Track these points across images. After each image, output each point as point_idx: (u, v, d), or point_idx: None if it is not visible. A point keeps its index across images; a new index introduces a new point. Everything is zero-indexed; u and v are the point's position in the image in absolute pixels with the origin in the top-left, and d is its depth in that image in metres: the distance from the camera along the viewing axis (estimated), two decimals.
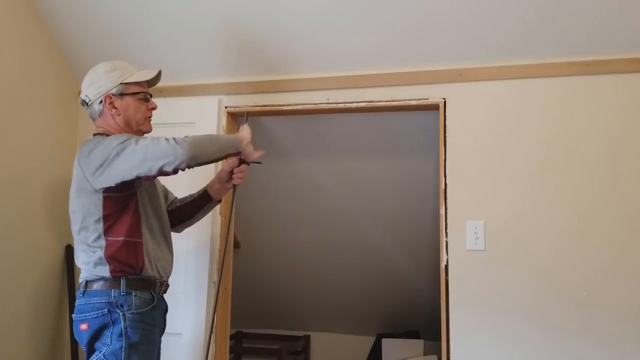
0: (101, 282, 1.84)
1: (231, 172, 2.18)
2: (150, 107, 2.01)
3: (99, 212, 1.84)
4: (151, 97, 2.03)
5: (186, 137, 1.83)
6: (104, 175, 1.80)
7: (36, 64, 2.59)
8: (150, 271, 1.89)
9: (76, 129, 2.85)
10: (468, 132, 2.35)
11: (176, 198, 2.25)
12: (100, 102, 1.93)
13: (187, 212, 2.21)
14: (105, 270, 1.84)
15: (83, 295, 1.86)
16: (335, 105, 2.50)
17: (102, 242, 1.84)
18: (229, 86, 2.62)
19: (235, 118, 2.71)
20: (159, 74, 2.04)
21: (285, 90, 2.54)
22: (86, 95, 1.95)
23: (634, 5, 2.08)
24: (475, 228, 2.30)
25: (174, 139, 1.80)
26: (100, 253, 1.84)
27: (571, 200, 2.23)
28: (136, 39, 2.59)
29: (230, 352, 3.38)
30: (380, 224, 3.52)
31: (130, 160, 1.77)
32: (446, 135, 2.37)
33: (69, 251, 2.74)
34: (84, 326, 1.84)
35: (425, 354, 3.76)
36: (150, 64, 2.64)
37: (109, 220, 1.84)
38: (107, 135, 1.91)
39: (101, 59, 2.67)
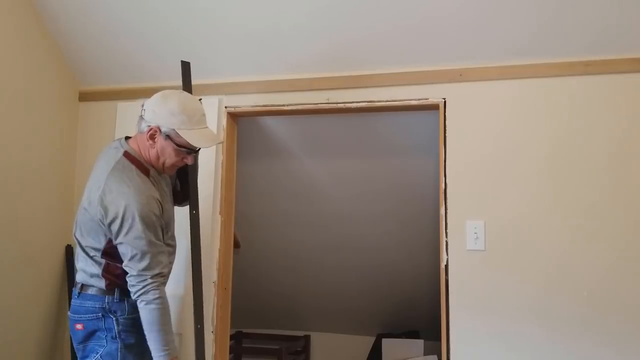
0: (96, 289, 1.90)
1: None
2: (186, 160, 1.98)
3: (100, 245, 1.89)
4: (198, 152, 2.03)
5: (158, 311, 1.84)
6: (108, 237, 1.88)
7: (36, 64, 2.59)
8: None
9: (76, 129, 2.85)
10: (468, 132, 2.35)
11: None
12: (148, 126, 1.91)
13: (185, 187, 2.24)
14: (100, 283, 1.90)
15: (78, 296, 1.92)
16: (335, 105, 2.50)
17: (102, 261, 1.89)
18: (229, 86, 2.62)
19: (236, 118, 2.71)
20: (220, 143, 2.08)
21: (286, 90, 2.54)
22: (144, 110, 1.93)
23: (634, 5, 2.08)
24: (475, 228, 2.30)
25: (158, 302, 1.83)
26: (98, 269, 1.89)
27: (571, 200, 2.23)
28: (136, 39, 2.59)
29: (230, 352, 3.38)
30: (380, 223, 3.52)
31: (129, 252, 1.83)
32: (446, 135, 2.37)
33: (69, 251, 2.74)
34: (79, 326, 1.90)
35: (425, 354, 3.76)
36: (150, 63, 2.66)
37: (110, 250, 1.89)
38: (138, 164, 1.91)
39: (101, 59, 2.70)
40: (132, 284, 1.84)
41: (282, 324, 4.43)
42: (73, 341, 1.95)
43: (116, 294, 1.89)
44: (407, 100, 2.42)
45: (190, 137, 1.91)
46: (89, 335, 1.89)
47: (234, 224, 2.74)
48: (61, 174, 2.74)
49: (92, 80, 2.82)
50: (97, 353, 1.87)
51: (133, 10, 2.48)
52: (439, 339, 2.36)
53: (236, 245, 3.70)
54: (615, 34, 2.17)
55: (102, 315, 1.88)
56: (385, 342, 3.89)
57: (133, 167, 1.91)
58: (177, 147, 1.92)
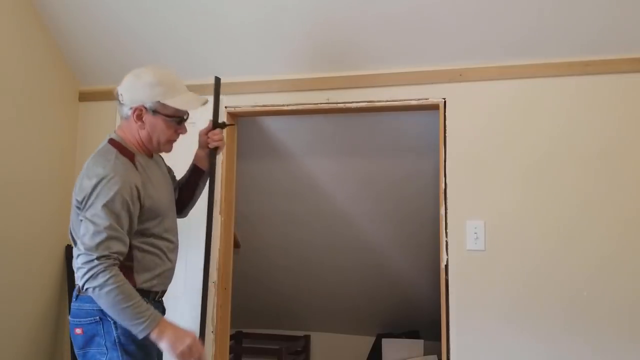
0: None
1: (206, 134, 2.12)
2: (179, 131, 1.92)
3: None
4: (187, 118, 1.93)
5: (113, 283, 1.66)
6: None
7: (36, 64, 2.59)
8: (144, 285, 1.82)
9: (76, 128, 2.85)
10: (468, 132, 2.35)
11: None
12: (131, 108, 1.84)
13: (186, 196, 2.14)
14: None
15: (77, 299, 1.82)
16: (335, 105, 2.50)
17: None
18: (229, 86, 2.61)
19: (236, 118, 2.71)
20: (205, 103, 1.95)
21: (285, 90, 2.54)
22: (121, 95, 1.85)
23: (633, 5, 2.08)
24: (475, 228, 2.30)
25: (108, 274, 1.65)
26: None
27: (571, 200, 2.23)
28: (135, 39, 2.59)
29: (230, 352, 3.38)
30: (380, 223, 3.52)
31: (83, 229, 1.70)
32: (446, 135, 2.37)
33: (69, 251, 2.74)
34: (78, 331, 1.80)
35: (425, 354, 3.76)
36: (150, 63, 2.65)
37: None
38: (120, 148, 1.82)
39: (101, 59, 2.70)
40: (78, 266, 1.68)
41: (282, 324, 4.43)
42: (74, 346, 1.86)
43: None
44: (407, 100, 2.42)
45: (177, 103, 1.85)
46: (89, 340, 1.79)
47: (234, 224, 2.74)
48: (61, 174, 2.74)
49: (92, 80, 2.82)
50: None
51: (133, 11, 2.48)
52: (439, 339, 2.36)
53: (236, 245, 3.70)
54: (615, 34, 2.17)
55: (100, 319, 1.76)
56: (385, 342, 3.89)
57: (115, 150, 1.82)
58: (167, 119, 1.86)
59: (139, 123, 1.84)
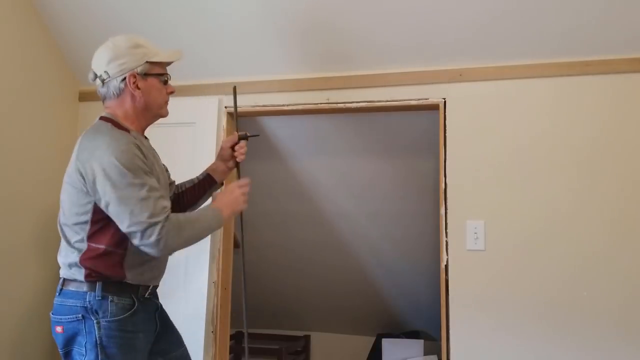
0: (78, 283, 1.70)
1: (232, 149, 2.09)
2: (169, 90, 1.86)
3: (87, 215, 1.68)
4: (170, 78, 1.88)
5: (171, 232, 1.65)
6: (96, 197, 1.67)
7: (36, 64, 2.59)
8: (132, 279, 1.73)
9: (76, 128, 2.85)
10: (468, 132, 2.35)
11: (174, 182, 2.08)
12: (123, 79, 1.74)
13: (188, 199, 2.08)
14: (79, 274, 1.69)
15: (60, 293, 1.73)
16: (335, 105, 2.50)
17: (83, 246, 1.69)
18: (229, 86, 2.61)
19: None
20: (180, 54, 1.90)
21: (285, 90, 2.54)
22: (105, 72, 1.74)
23: (633, 5, 2.08)
24: (475, 228, 2.30)
25: (158, 235, 1.61)
26: (77, 256, 1.69)
27: (570, 199, 2.23)
28: None
29: (230, 352, 3.38)
30: (380, 223, 3.52)
31: (127, 208, 1.61)
32: (446, 135, 2.37)
33: None
34: (59, 329, 1.71)
35: (425, 354, 3.75)
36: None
37: (96, 225, 1.68)
38: (114, 123, 1.74)
39: None
40: (146, 243, 1.61)
41: (282, 324, 4.43)
42: (57, 346, 1.76)
43: (97, 290, 1.67)
44: (407, 100, 2.42)
45: (163, 57, 1.82)
46: (70, 339, 1.69)
47: (234, 224, 2.74)
48: (61, 174, 2.72)
49: None
50: None
51: (133, 10, 2.48)
52: (439, 339, 2.36)
53: (236, 245, 3.70)
54: (614, 33, 2.17)
55: (83, 317, 1.67)
56: (385, 342, 3.89)
57: (108, 124, 1.73)
58: (159, 77, 1.81)
59: (137, 91, 1.76)
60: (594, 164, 2.22)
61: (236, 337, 4.46)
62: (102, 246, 1.68)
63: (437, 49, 2.35)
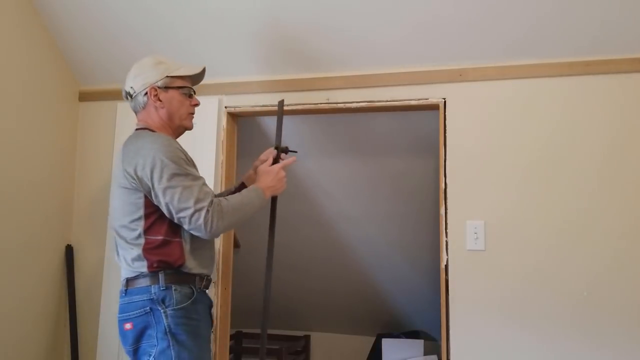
0: (140, 279, 1.81)
1: (266, 160, 2.15)
2: (193, 103, 1.99)
3: (139, 211, 1.81)
4: (195, 93, 2.02)
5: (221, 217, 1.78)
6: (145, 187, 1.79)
7: (36, 64, 2.59)
8: (189, 267, 1.84)
9: (76, 128, 2.85)
10: (468, 132, 2.35)
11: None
12: (145, 94, 1.91)
13: None
14: (143, 266, 1.80)
15: (125, 294, 1.83)
16: (335, 105, 2.50)
17: (142, 240, 1.81)
18: (229, 86, 2.62)
19: (236, 118, 2.71)
20: (204, 70, 2.04)
21: (286, 90, 2.54)
22: (131, 87, 1.92)
23: (634, 5, 2.08)
24: (475, 228, 2.30)
25: (211, 220, 1.75)
26: (138, 250, 1.81)
27: (571, 200, 2.23)
28: (136, 39, 2.58)
29: (230, 352, 3.38)
30: (380, 223, 3.52)
31: (175, 196, 1.74)
32: (446, 135, 2.37)
33: (69, 251, 2.74)
34: (128, 325, 1.80)
35: (425, 354, 3.75)
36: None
37: (150, 218, 1.81)
38: (152, 131, 1.89)
39: (101, 59, 2.71)
40: (194, 227, 1.75)
41: (282, 324, 4.43)
42: (123, 345, 1.84)
43: (161, 281, 1.78)
44: (407, 100, 2.42)
45: (183, 71, 1.96)
46: (140, 334, 1.78)
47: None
48: (61, 174, 2.74)
49: (92, 80, 2.82)
50: (150, 355, 1.75)
51: (133, 11, 2.48)
52: (439, 339, 2.36)
53: (236, 245, 3.70)
54: (615, 33, 2.17)
55: (150, 309, 1.77)
56: (385, 342, 3.88)
57: (147, 131, 1.90)
58: (180, 90, 1.94)
59: (158, 103, 1.91)
60: (594, 164, 2.22)
61: (236, 337, 4.46)
62: (159, 237, 1.80)
63: (437, 49, 2.35)
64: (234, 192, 2.11)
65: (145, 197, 1.80)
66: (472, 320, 2.27)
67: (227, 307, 2.65)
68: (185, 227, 1.77)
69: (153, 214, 1.81)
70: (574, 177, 2.23)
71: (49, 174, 2.67)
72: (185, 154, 1.86)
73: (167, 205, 1.75)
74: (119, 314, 1.84)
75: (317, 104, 2.52)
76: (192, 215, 1.74)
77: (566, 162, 2.24)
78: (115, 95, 2.78)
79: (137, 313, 1.79)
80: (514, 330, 2.23)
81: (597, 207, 2.20)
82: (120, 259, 1.89)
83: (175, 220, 1.78)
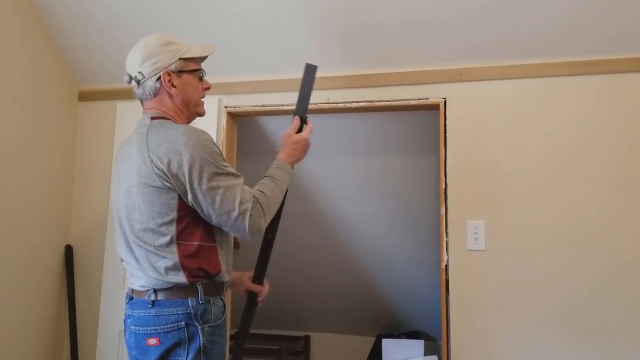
0: (175, 290, 1.59)
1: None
2: (205, 86, 1.80)
3: (172, 213, 1.59)
4: (205, 75, 1.81)
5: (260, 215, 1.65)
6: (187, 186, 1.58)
7: (36, 64, 2.59)
8: (223, 274, 1.68)
9: (76, 128, 2.85)
10: (468, 132, 2.35)
11: None
12: (158, 79, 1.67)
13: None
14: (179, 277, 1.58)
15: (153, 305, 1.59)
16: (335, 105, 2.50)
17: (174, 247, 1.59)
18: (229, 86, 2.62)
19: (236, 118, 2.71)
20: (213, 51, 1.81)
21: (285, 90, 2.54)
22: (139, 72, 1.68)
23: (634, 5, 2.08)
24: (476, 228, 2.29)
25: (249, 219, 1.60)
26: (173, 258, 1.58)
27: (571, 200, 2.23)
28: (135, 38, 2.57)
29: (230, 352, 3.38)
30: (381, 223, 3.51)
31: (217, 197, 1.58)
32: (446, 135, 2.37)
33: (69, 251, 2.74)
34: (153, 341, 1.57)
35: (425, 354, 3.75)
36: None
37: (183, 221, 1.60)
38: (172, 120, 1.69)
39: (101, 59, 2.70)
40: (238, 228, 1.60)
41: (282, 324, 4.43)
42: (137, 358, 1.62)
43: (200, 294, 1.59)
44: (407, 100, 2.42)
45: (196, 52, 1.74)
46: (168, 351, 1.56)
47: None
48: (60, 174, 2.74)
49: (92, 80, 2.82)
50: None
51: (133, 10, 2.48)
52: (439, 339, 2.36)
53: (236, 245, 3.69)
54: (615, 34, 2.16)
55: (186, 324, 1.57)
56: (385, 342, 3.88)
57: (169, 120, 1.69)
58: (194, 73, 1.74)
59: (172, 89, 1.69)
60: (594, 164, 2.22)
61: (236, 337, 4.46)
62: (195, 242, 1.61)
63: (437, 49, 2.34)
64: None
65: (179, 197, 1.59)
66: (472, 320, 2.27)
67: (227, 307, 2.64)
68: (226, 228, 1.63)
69: (186, 217, 1.60)
70: (573, 176, 2.23)
71: (49, 174, 2.67)
72: (218, 147, 1.66)
73: (207, 207, 1.58)
74: (140, 326, 1.60)
75: (317, 103, 2.51)
76: (237, 217, 1.58)
77: (566, 162, 2.24)
78: (115, 95, 2.78)
79: (168, 328, 1.57)
80: (514, 330, 2.23)
81: (596, 206, 2.20)
82: (140, 266, 1.62)
83: (214, 222, 1.61)
